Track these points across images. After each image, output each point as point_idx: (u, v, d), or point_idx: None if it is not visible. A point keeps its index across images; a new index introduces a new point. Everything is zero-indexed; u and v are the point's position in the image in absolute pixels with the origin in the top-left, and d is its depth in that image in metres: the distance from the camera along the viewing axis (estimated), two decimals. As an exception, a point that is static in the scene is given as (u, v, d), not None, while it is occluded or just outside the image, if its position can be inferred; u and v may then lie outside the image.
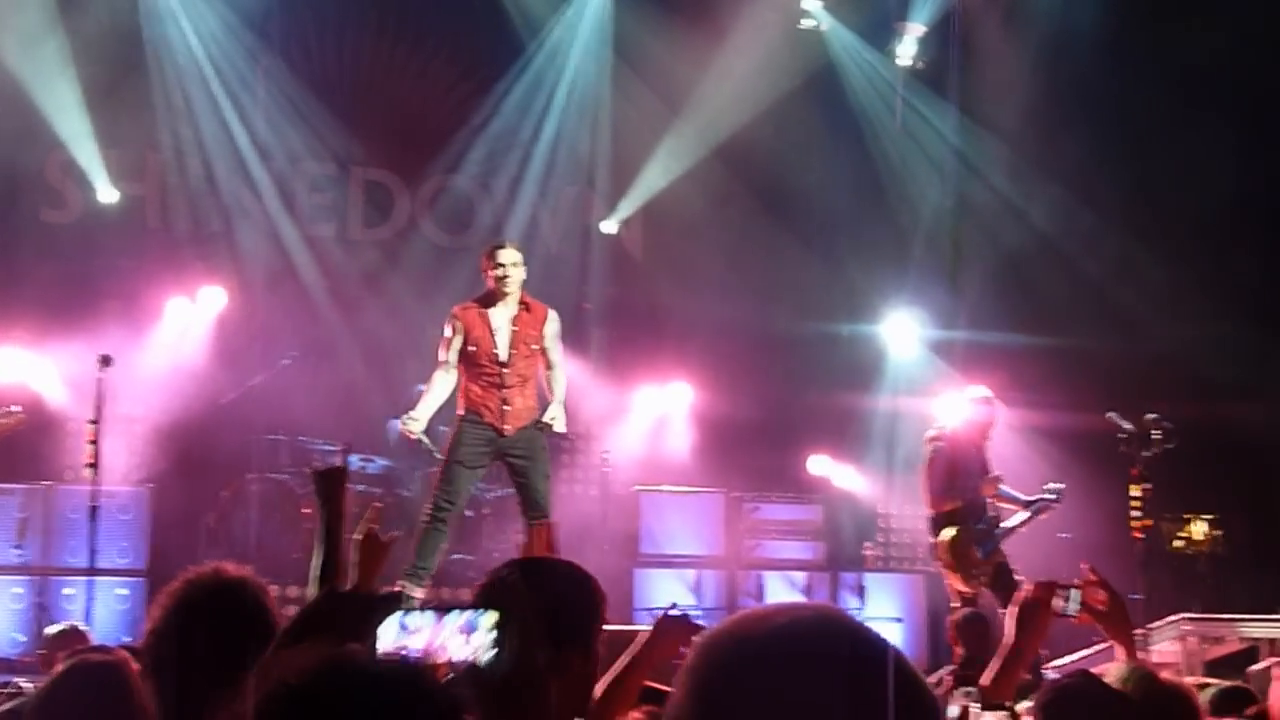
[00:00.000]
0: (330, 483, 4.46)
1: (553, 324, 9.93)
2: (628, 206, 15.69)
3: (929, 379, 14.16)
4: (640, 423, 14.82)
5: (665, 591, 12.12)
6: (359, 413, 13.68)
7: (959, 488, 10.64)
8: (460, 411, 9.77)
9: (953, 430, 10.79)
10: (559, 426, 9.85)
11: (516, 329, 9.71)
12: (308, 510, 12.68)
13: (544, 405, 9.88)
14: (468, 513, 12.87)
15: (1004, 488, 10.95)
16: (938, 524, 10.71)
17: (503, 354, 9.66)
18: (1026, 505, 10.73)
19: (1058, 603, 4.12)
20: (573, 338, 14.91)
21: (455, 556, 12.46)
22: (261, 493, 12.84)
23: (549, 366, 9.90)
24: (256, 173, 14.79)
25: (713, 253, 15.26)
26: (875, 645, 1.66)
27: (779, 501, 13.85)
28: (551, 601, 3.30)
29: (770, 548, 13.53)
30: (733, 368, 14.80)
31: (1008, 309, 14.88)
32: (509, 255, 9.71)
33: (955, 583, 10.61)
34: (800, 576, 13.41)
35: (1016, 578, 10.64)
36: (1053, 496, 10.64)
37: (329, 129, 15.03)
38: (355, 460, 12.80)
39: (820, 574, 13.44)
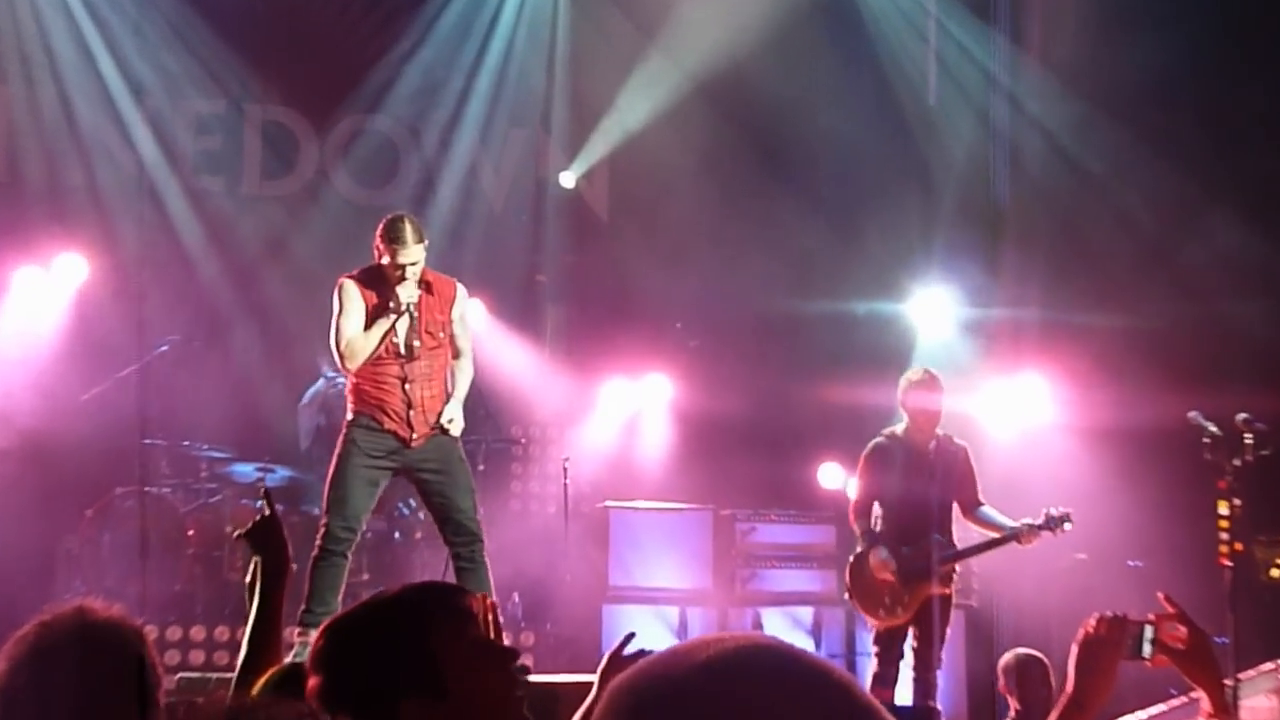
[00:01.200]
0: (267, 534, 4.57)
1: (461, 302, 9.82)
2: (591, 155, 15.69)
3: (966, 368, 14.14)
4: (608, 423, 14.83)
5: (642, 633, 12.09)
6: (256, 408, 13.64)
7: (879, 499, 10.87)
8: (350, 416, 9.62)
9: (904, 428, 10.95)
10: (455, 429, 9.74)
11: (418, 313, 9.59)
12: (192, 532, 12.67)
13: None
14: (396, 536, 12.86)
15: (986, 511, 10.93)
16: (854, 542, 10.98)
17: (403, 345, 9.52)
18: (1008, 534, 10.72)
19: (1128, 643, 4.13)
20: (524, 317, 15.01)
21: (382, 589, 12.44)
22: (135, 510, 12.79)
23: (456, 355, 9.80)
24: (127, 112, 14.73)
25: (696, 213, 15.26)
26: (820, 677, 1.67)
27: (781, 521, 13.85)
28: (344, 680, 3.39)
29: (771, 578, 13.54)
30: (722, 356, 14.82)
31: (1061, 283, 14.87)
32: (411, 254, 9.37)
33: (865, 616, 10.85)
34: (807, 613, 13.43)
35: (946, 627, 10.76)
36: (1042, 523, 10.57)
37: (218, 58, 14.99)
38: (251, 470, 12.76)
39: (832, 610, 13.44)
